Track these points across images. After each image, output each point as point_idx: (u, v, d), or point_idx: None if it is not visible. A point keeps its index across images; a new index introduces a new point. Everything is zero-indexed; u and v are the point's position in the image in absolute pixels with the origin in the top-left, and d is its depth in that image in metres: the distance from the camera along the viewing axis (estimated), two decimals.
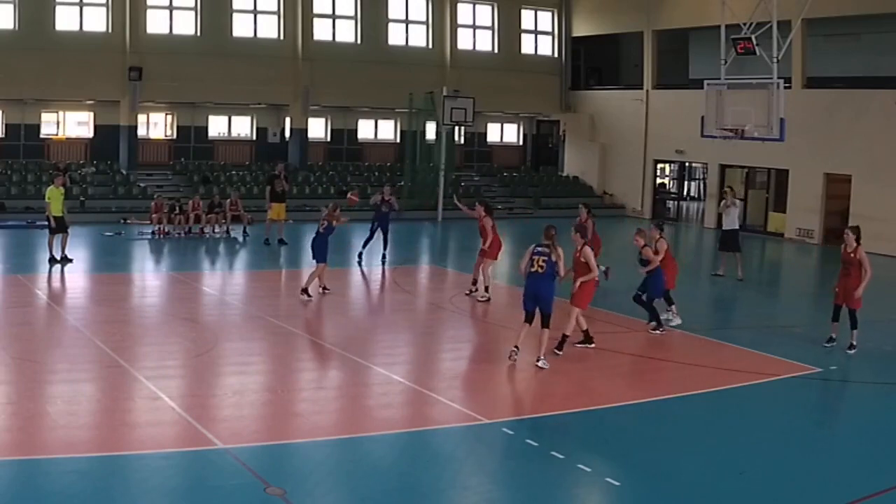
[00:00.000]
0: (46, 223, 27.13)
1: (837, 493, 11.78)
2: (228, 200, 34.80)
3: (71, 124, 42.42)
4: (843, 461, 13.11)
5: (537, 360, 17.13)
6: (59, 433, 12.75)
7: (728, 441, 13.70)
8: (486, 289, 23.63)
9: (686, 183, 51.58)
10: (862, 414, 15.79)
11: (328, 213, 23.28)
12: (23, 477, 11.22)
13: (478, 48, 48.87)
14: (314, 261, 23.17)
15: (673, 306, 21.28)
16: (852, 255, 19.36)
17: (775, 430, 14.47)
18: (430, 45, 47.33)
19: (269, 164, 42.56)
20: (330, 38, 45.20)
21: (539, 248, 17.33)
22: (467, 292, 24.18)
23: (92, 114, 42.04)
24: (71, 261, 26.75)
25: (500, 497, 11.66)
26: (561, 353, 17.87)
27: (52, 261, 26.53)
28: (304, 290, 22.70)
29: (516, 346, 17.30)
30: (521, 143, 53.32)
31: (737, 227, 28.45)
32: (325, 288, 23.33)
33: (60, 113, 41.94)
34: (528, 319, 17.38)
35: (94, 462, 11.81)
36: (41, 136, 41.28)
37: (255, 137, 45.85)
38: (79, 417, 13.51)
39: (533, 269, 17.26)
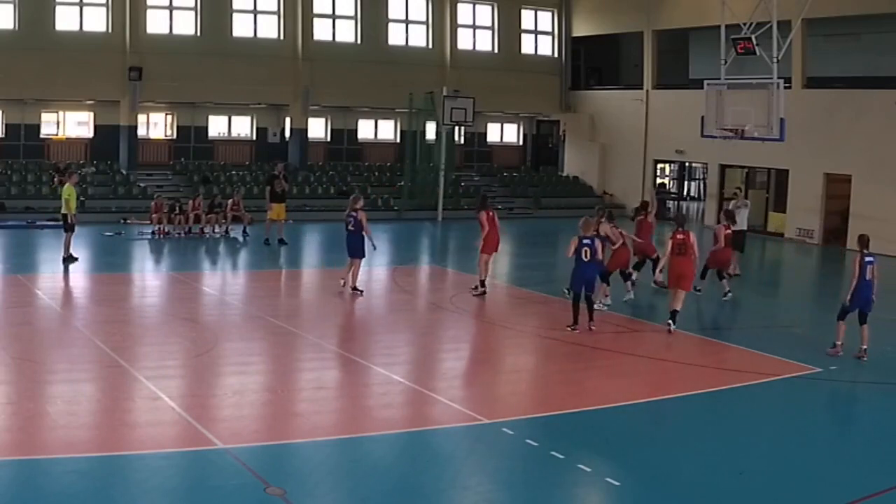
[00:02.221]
0: (62, 222, 27.08)
1: (837, 493, 11.80)
2: (231, 200, 34.89)
3: (71, 124, 42.46)
4: (842, 461, 13.14)
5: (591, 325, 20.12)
6: (59, 433, 12.76)
7: (728, 441, 13.74)
8: (482, 282, 23.80)
9: (686, 183, 51.67)
10: (862, 414, 15.86)
11: (350, 207, 23.56)
12: (23, 477, 11.24)
13: (478, 48, 48.86)
14: (350, 258, 23.59)
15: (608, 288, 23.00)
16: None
17: (775, 430, 14.51)
18: (430, 45, 47.33)
19: (269, 164, 42.56)
20: (330, 38, 45.19)
21: (585, 240, 19.87)
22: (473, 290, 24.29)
23: (92, 114, 42.07)
24: (76, 259, 26.84)
25: (500, 497, 11.65)
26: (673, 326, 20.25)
27: (70, 259, 26.62)
28: (354, 288, 23.47)
29: (576, 323, 20.00)
30: (521, 143, 53.36)
31: (745, 227, 28.70)
32: (347, 284, 23.61)
33: (60, 113, 41.95)
34: (578, 299, 20.03)
35: (94, 462, 11.82)
36: (41, 136, 41.30)
37: (255, 137, 45.88)
38: (79, 417, 13.53)
39: (586, 259, 19.81)
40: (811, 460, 13.17)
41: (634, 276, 23.99)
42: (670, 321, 20.33)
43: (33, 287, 23.72)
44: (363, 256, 23.64)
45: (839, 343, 18.63)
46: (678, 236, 20.67)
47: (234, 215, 34.32)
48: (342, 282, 23.74)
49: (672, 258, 20.82)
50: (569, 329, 19.86)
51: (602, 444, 13.44)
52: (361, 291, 23.59)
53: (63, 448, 12.21)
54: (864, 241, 18.69)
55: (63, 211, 26.92)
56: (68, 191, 27.07)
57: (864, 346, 18.62)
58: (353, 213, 23.40)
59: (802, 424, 15.01)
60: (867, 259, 18.38)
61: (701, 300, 24.67)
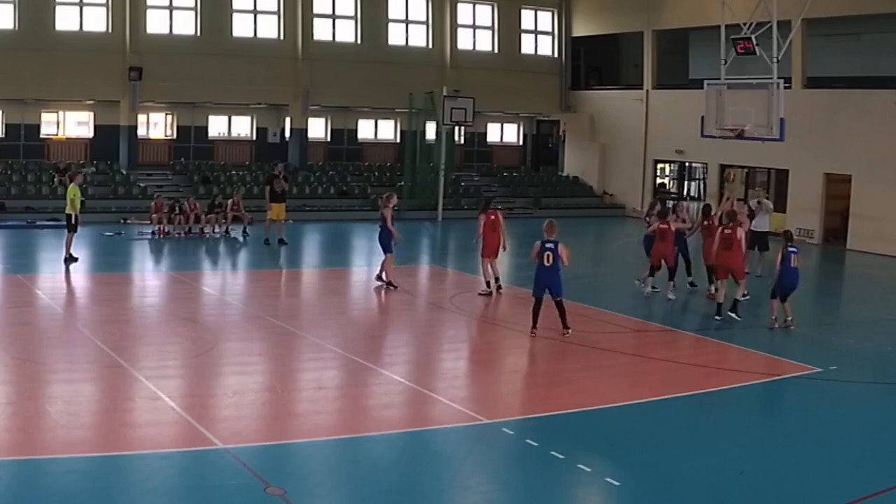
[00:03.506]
0: (66, 222, 27.13)
1: (837, 493, 11.81)
2: (231, 200, 35.02)
3: (71, 124, 42.68)
4: (842, 461, 13.13)
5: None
6: (59, 433, 12.77)
7: (728, 441, 13.80)
8: (487, 284, 24.27)
9: (686, 183, 51.63)
10: (861, 414, 15.79)
11: (383, 205, 24.58)
12: (23, 477, 11.25)
13: (478, 48, 49.12)
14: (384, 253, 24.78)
15: None
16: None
17: (775, 429, 14.58)
18: (430, 45, 47.57)
19: (269, 164, 42.75)
20: (330, 38, 45.44)
21: (548, 244, 19.22)
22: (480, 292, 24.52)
23: (92, 114, 42.28)
24: (76, 259, 26.94)
25: (500, 497, 11.66)
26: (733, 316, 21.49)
27: (71, 259, 26.74)
28: (389, 283, 24.60)
29: (535, 327, 19.47)
30: (521, 143, 53.63)
31: (767, 228, 28.87)
32: (383, 279, 24.82)
33: (60, 113, 42.16)
34: (539, 304, 19.45)
35: (94, 462, 11.84)
36: (41, 136, 41.48)
37: (255, 137, 46.12)
38: (79, 417, 13.55)
39: (547, 264, 19.21)
40: (811, 460, 13.17)
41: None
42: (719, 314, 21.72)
43: (33, 287, 23.79)
44: (390, 252, 24.51)
45: (774, 317, 21.02)
46: (725, 231, 21.82)
47: (235, 215, 34.42)
48: (388, 285, 24.69)
49: (719, 252, 21.90)
50: (532, 334, 19.51)
51: (602, 443, 13.45)
52: (387, 285, 24.66)
53: (63, 448, 12.22)
54: (787, 235, 21.19)
55: (68, 211, 26.97)
56: (73, 191, 27.12)
57: (790, 318, 20.95)
58: (383, 211, 24.48)
59: (802, 424, 15.02)
60: (790, 249, 20.51)
61: (693, 299, 24.85)
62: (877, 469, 12.78)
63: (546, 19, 50.80)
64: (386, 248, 24.47)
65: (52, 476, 11.36)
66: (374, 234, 28.00)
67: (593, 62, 51.60)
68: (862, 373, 18.10)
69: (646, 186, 46.83)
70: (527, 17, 50.34)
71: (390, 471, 12.22)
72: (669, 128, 44.19)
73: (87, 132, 42.59)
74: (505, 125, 52.89)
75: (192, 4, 42.05)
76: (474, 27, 48.99)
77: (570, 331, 19.40)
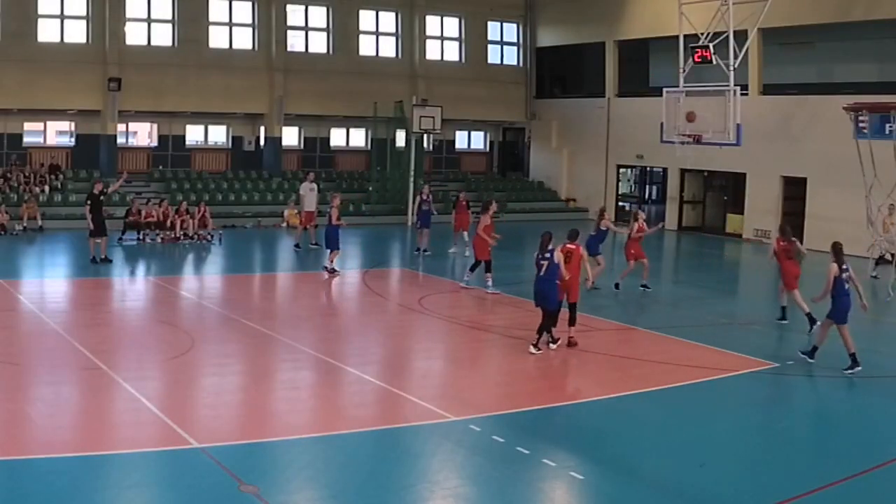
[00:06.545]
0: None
1: (795, 484, 12.13)
2: (196, 208, 35.74)
3: (54, 133, 43.23)
4: (799, 452, 13.68)
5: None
6: (39, 434, 13.06)
7: (689, 434, 14.27)
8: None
9: (647, 187, 52.32)
10: (817, 406, 16.42)
11: (333, 206, 27.79)
12: (2, 477, 11.44)
13: (446, 58, 50.01)
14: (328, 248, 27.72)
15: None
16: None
17: (734, 423, 15.12)
18: (400, 56, 48.34)
19: (244, 171, 44.02)
20: (303, 50, 46.24)
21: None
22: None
23: (73, 123, 42.82)
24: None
25: (467, 492, 11.94)
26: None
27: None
28: (330, 269, 27.52)
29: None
30: (488, 149, 54.37)
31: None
32: (333, 270, 27.53)
33: (43, 123, 42.55)
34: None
35: (73, 462, 12.01)
36: (23, 144, 41.90)
37: (230, 146, 46.61)
38: (58, 419, 13.80)
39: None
40: (769, 452, 13.51)
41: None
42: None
43: (14, 292, 23.99)
44: (333, 247, 27.44)
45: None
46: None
47: (203, 222, 35.39)
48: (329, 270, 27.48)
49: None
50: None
51: (566, 439, 13.91)
52: (332, 272, 27.47)
53: (42, 448, 12.47)
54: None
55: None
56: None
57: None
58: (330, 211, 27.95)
59: (761, 417, 15.49)
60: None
61: (656, 300, 25.60)
62: (833, 460, 13.23)
63: (511, 30, 51.68)
64: (329, 244, 27.40)
65: (31, 475, 11.52)
66: (342, 238, 28.86)
67: (557, 71, 52.29)
68: (817, 367, 18.26)
69: (608, 191, 47.48)
70: (493, 29, 51.20)
71: (361, 467, 12.41)
72: (631, 134, 44.91)
73: (69, 141, 43.13)
74: (472, 132, 53.60)
75: (170, 17, 42.73)
76: (442, 38, 49.85)
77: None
